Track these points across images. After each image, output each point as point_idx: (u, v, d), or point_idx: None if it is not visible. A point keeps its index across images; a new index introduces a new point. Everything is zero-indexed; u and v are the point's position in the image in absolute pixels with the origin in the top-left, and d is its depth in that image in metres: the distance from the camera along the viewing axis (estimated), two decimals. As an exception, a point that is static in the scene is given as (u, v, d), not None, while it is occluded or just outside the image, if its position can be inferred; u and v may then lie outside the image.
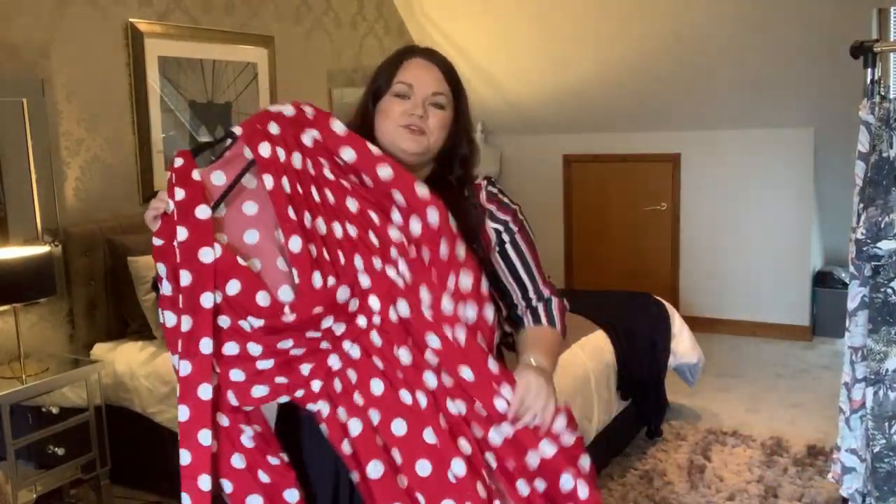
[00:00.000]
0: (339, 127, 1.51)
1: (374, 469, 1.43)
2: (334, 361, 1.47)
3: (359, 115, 1.64)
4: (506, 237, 1.63)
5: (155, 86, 3.86)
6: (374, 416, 1.44)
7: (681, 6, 4.71)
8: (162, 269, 1.46)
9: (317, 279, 1.43)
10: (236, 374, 1.46)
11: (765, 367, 4.95)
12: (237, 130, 1.50)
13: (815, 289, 5.47)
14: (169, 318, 1.46)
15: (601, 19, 4.95)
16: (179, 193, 1.43)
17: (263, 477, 1.49)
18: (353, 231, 1.46)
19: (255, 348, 1.45)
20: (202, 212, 1.43)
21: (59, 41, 3.46)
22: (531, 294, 1.64)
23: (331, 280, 1.43)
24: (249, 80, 4.40)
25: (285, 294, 1.43)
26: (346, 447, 1.46)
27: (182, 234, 1.41)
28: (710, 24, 4.75)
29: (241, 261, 1.43)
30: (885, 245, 1.72)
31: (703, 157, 5.59)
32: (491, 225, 1.62)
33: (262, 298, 1.42)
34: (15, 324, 3.09)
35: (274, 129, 1.50)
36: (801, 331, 5.46)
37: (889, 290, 1.79)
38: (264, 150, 1.46)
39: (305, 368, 1.47)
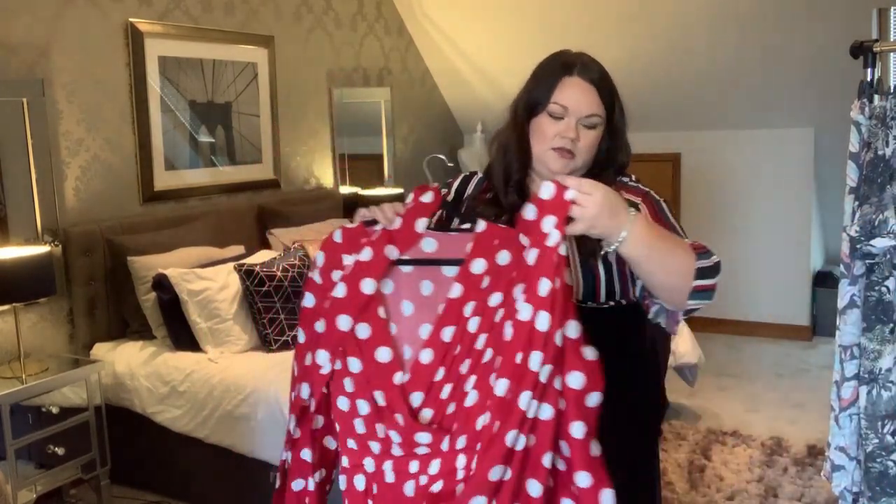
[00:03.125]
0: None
1: None
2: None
3: (515, 125, 1.62)
4: None
5: (155, 86, 3.86)
6: None
7: (680, 7, 4.72)
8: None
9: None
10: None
11: (765, 366, 4.95)
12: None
13: (815, 289, 5.47)
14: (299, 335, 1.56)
15: (601, 19, 4.95)
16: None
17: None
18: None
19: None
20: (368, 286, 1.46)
21: (59, 41, 3.47)
22: None
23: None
24: (249, 79, 4.40)
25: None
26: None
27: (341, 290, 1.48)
28: (710, 25, 4.75)
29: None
30: (879, 243, 1.72)
31: (703, 157, 5.59)
32: None
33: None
34: (15, 324, 3.10)
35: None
36: (801, 330, 5.46)
37: (883, 289, 1.79)
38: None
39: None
